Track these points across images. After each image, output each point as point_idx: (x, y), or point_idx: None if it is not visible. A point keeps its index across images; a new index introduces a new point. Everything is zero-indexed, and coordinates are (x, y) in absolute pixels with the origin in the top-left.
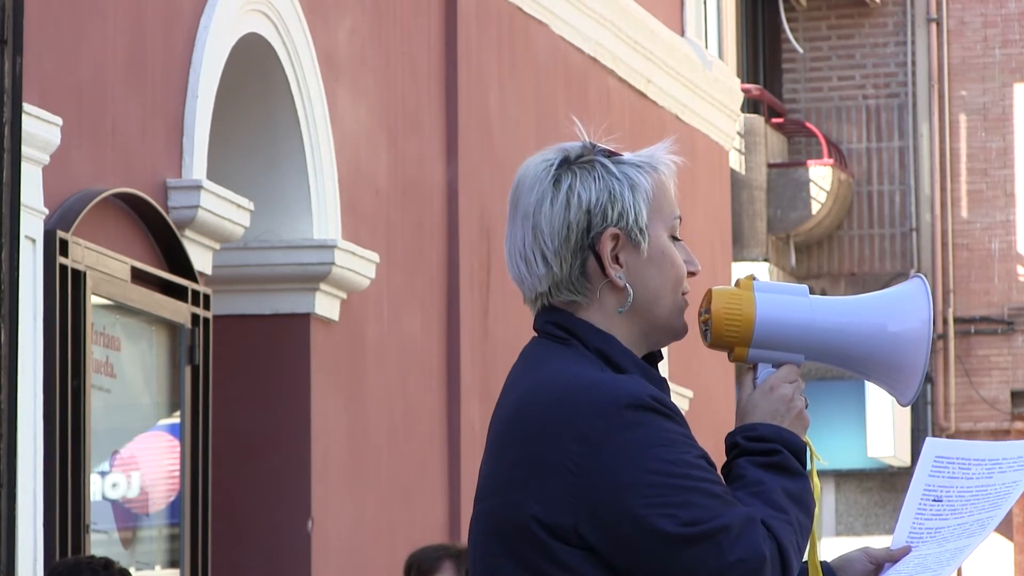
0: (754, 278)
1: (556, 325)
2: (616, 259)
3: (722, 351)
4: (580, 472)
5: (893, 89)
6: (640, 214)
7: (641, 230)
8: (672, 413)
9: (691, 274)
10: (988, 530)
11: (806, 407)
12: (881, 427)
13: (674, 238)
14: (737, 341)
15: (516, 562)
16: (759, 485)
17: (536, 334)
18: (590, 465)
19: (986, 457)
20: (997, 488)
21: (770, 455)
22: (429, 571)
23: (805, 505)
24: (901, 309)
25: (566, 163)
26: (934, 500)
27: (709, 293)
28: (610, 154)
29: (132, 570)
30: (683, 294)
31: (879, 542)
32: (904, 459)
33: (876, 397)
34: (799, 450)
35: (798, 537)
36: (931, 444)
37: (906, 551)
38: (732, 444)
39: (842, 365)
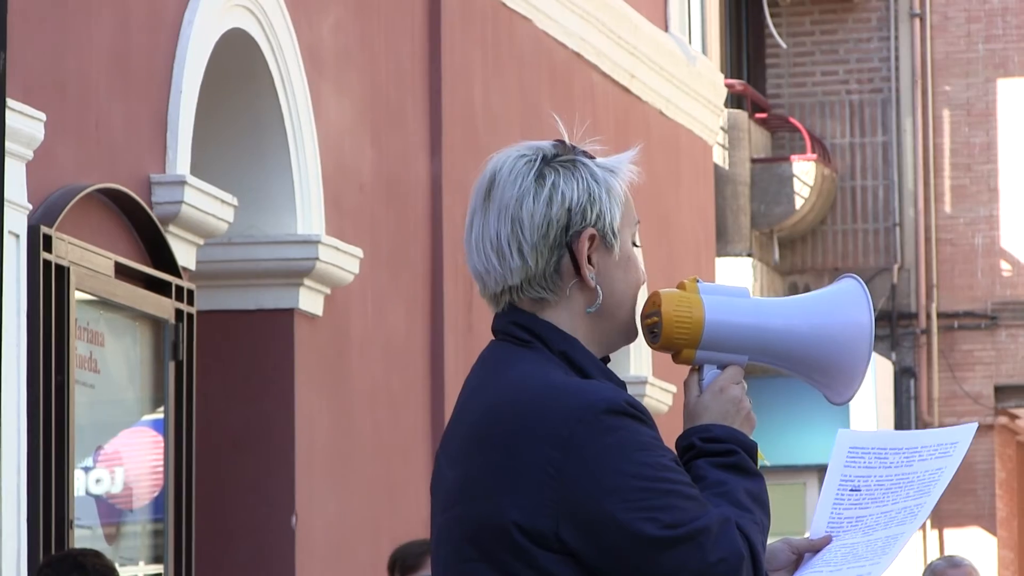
0: (697, 280)
1: (519, 326)
2: (589, 259)
3: (668, 353)
4: (561, 477)
5: (876, 84)
6: (614, 217)
7: (614, 233)
8: (645, 418)
9: None
10: (920, 518)
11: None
12: (864, 422)
13: (634, 244)
14: (686, 343)
15: (494, 568)
16: (722, 486)
17: (494, 337)
18: (570, 470)
19: (903, 446)
20: (920, 476)
21: (728, 455)
22: (413, 567)
23: (764, 504)
24: (842, 310)
25: (546, 160)
26: (851, 490)
27: (657, 295)
28: (588, 156)
29: (116, 566)
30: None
31: None
32: None
33: (859, 391)
34: (752, 450)
35: (763, 536)
36: (843, 435)
37: (827, 540)
38: (688, 446)
39: (783, 365)
